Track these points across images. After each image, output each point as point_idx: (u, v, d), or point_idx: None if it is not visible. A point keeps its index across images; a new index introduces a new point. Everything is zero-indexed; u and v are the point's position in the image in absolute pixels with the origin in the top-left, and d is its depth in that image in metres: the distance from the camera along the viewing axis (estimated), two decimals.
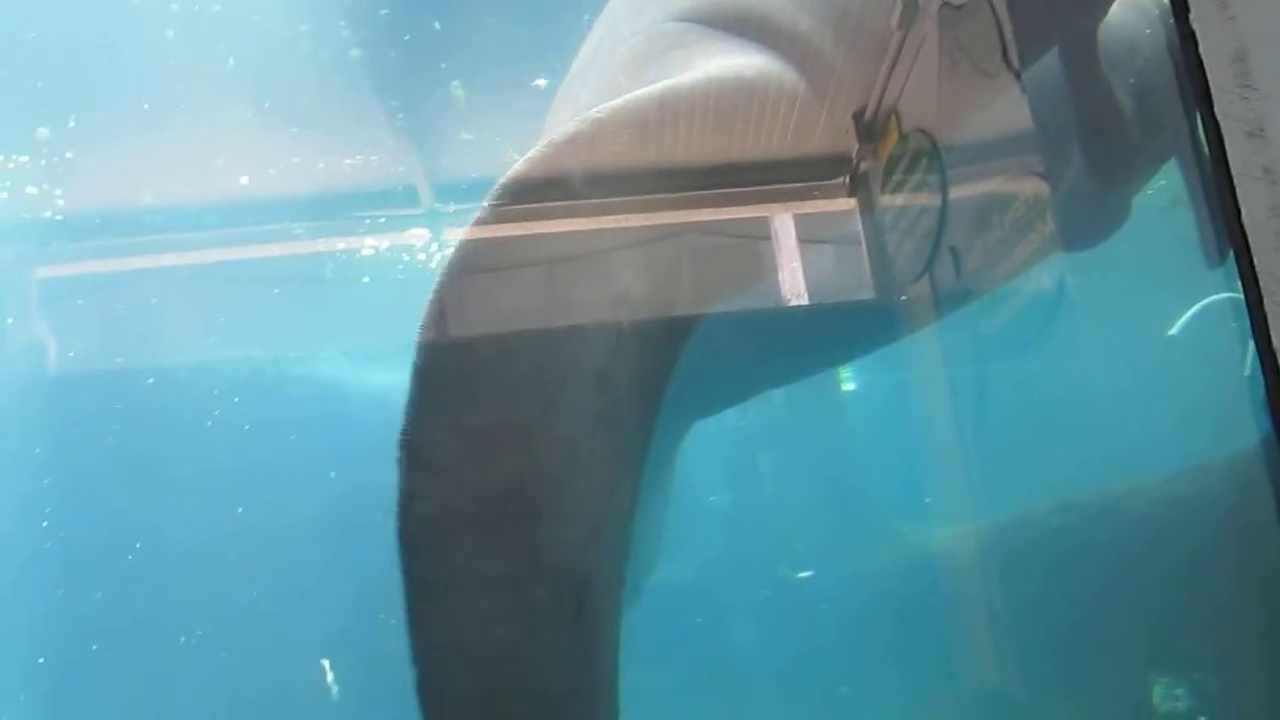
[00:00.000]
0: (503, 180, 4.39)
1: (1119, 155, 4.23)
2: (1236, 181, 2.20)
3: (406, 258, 7.73)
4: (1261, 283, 2.08)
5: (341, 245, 6.66)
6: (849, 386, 10.32)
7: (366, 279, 7.83)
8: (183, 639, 7.70)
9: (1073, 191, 4.76)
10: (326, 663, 7.76)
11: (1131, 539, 5.51)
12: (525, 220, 4.26)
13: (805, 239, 4.84)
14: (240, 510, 7.96)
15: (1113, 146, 4.30)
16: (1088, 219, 4.99)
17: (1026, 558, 6.11)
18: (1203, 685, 4.86)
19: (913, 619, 6.78)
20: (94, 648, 7.59)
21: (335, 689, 7.67)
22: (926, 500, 7.34)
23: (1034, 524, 6.22)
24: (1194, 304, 5.51)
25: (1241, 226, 2.16)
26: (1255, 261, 2.10)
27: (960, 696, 6.26)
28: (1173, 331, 5.76)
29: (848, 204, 5.05)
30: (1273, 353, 2.01)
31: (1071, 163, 4.51)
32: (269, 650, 7.61)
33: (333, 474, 8.30)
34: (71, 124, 5.29)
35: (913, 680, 6.94)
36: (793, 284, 4.84)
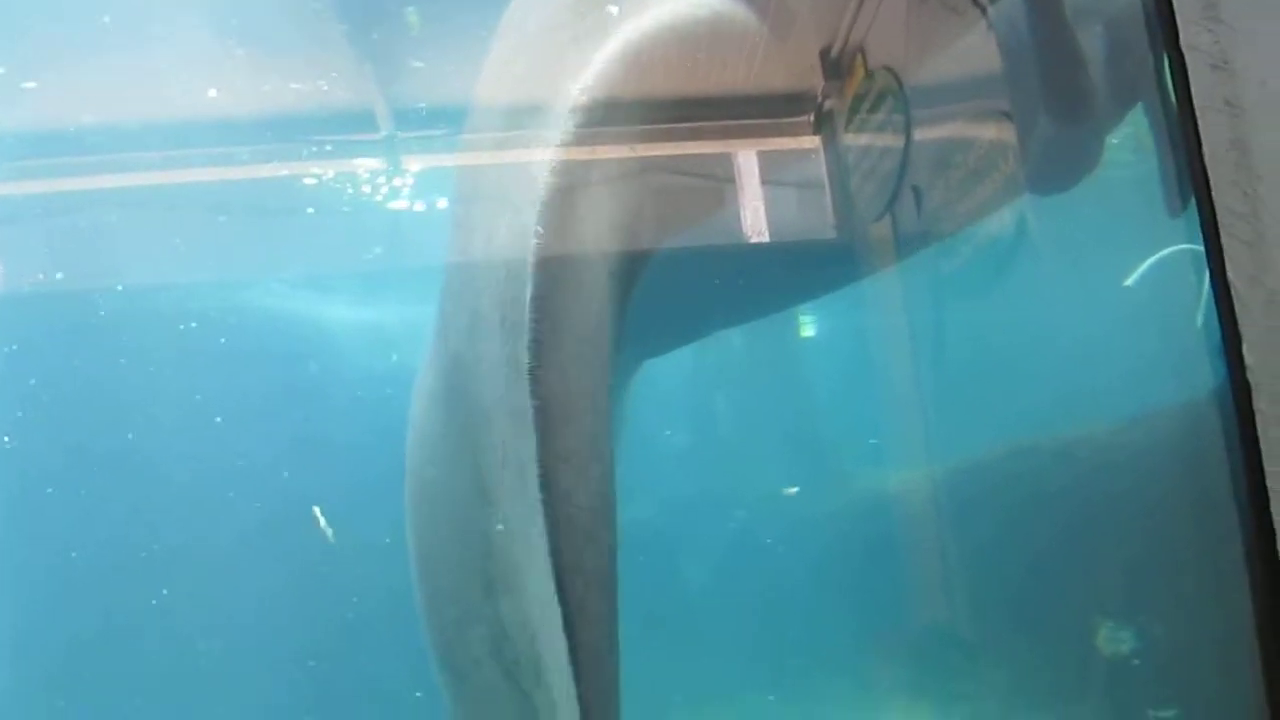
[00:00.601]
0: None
1: (1087, 96, 4.18)
2: (1199, 114, 2.15)
3: (359, 187, 7.59)
4: (1219, 216, 2.05)
5: (294, 171, 6.50)
6: (809, 332, 10.33)
7: (311, 210, 7.69)
8: (141, 554, 7.66)
9: (1042, 134, 4.71)
10: (317, 509, 7.80)
11: (1084, 484, 5.55)
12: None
13: (768, 176, 4.79)
14: (190, 438, 7.86)
15: (1081, 86, 4.25)
16: (1057, 162, 4.95)
17: (979, 502, 6.15)
18: (1147, 629, 4.92)
19: (865, 561, 6.84)
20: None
21: (330, 533, 7.69)
22: (880, 445, 7.37)
23: (988, 469, 6.25)
24: (1152, 255, 5.49)
25: (1201, 159, 2.11)
26: (1213, 194, 2.06)
27: (909, 634, 6.32)
28: (1129, 282, 5.75)
29: (812, 142, 4.99)
30: (1227, 285, 1.97)
31: (1040, 104, 4.47)
32: (218, 578, 7.57)
33: (283, 404, 8.22)
34: (9, 42, 5.09)
35: (863, 620, 7.02)
36: (753, 221, 4.78)
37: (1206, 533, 4.01)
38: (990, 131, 4.58)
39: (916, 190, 4.58)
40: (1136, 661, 4.91)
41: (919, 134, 4.52)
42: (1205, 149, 2.09)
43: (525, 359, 2.71)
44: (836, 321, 9.90)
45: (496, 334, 3.14)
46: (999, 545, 5.84)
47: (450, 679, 3.99)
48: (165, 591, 7.68)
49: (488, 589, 3.61)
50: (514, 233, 3.18)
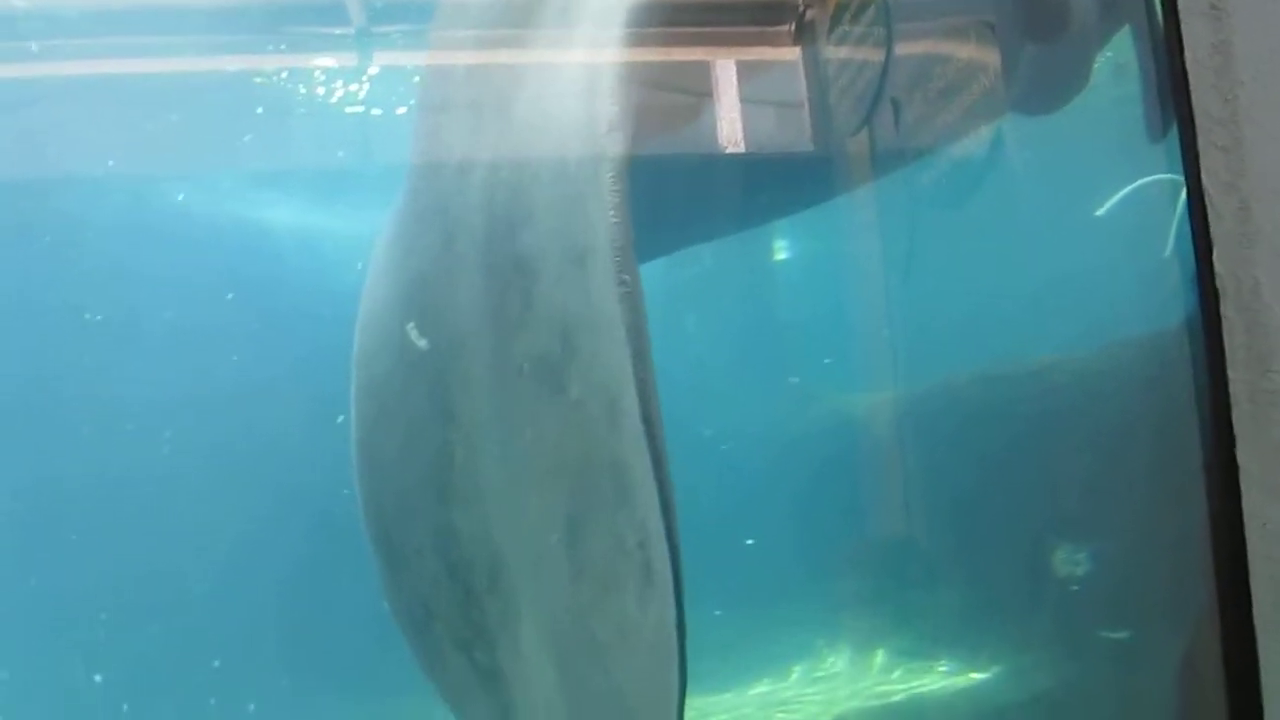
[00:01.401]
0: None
1: (1073, 9, 4.11)
2: (1182, 17, 2.09)
3: (331, 82, 7.41)
4: (1197, 121, 2.00)
5: (258, 63, 6.31)
6: (782, 255, 10.29)
7: (271, 105, 7.50)
8: (86, 480, 7.54)
9: (1029, 51, 4.64)
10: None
11: (1049, 411, 5.58)
12: (465, 50, 4.04)
13: (745, 86, 4.69)
14: (136, 353, 7.70)
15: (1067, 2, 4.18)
16: (1045, 82, 4.88)
17: (943, 425, 6.18)
18: (1103, 551, 4.98)
19: (828, 480, 6.87)
20: None
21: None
22: (849, 367, 7.38)
23: (953, 393, 6.28)
24: (1129, 184, 5.46)
25: (1183, 63, 2.06)
26: (1193, 99, 2.01)
27: (870, 550, 6.40)
28: (1100, 212, 5.72)
29: (791, 52, 4.89)
30: (1202, 191, 1.94)
31: (1026, 19, 4.39)
32: (171, 508, 7.47)
33: (230, 296, 8.04)
34: None
35: (824, 536, 7.08)
36: (729, 132, 4.70)
37: (1169, 457, 4.04)
38: (973, 47, 4.50)
39: (895, 104, 4.51)
40: (1090, 583, 4.98)
41: (900, 48, 4.44)
42: (1187, 53, 2.04)
43: (601, 269, 2.60)
44: (810, 244, 9.86)
45: (507, 246, 3.01)
46: (963, 467, 5.89)
47: (387, 560, 4.00)
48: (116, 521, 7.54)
49: (440, 496, 3.60)
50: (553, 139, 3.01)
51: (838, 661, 7.57)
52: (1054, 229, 6.32)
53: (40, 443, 7.52)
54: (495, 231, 3.15)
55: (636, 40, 3.75)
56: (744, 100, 4.74)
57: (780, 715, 6.66)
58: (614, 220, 2.55)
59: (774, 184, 4.98)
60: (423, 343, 3.05)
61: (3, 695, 6.94)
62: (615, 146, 2.63)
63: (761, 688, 7.31)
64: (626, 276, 2.52)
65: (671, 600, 2.46)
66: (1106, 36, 4.45)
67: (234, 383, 7.81)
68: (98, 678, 7.19)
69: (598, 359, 2.69)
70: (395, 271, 3.94)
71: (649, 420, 2.45)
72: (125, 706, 7.24)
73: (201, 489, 7.52)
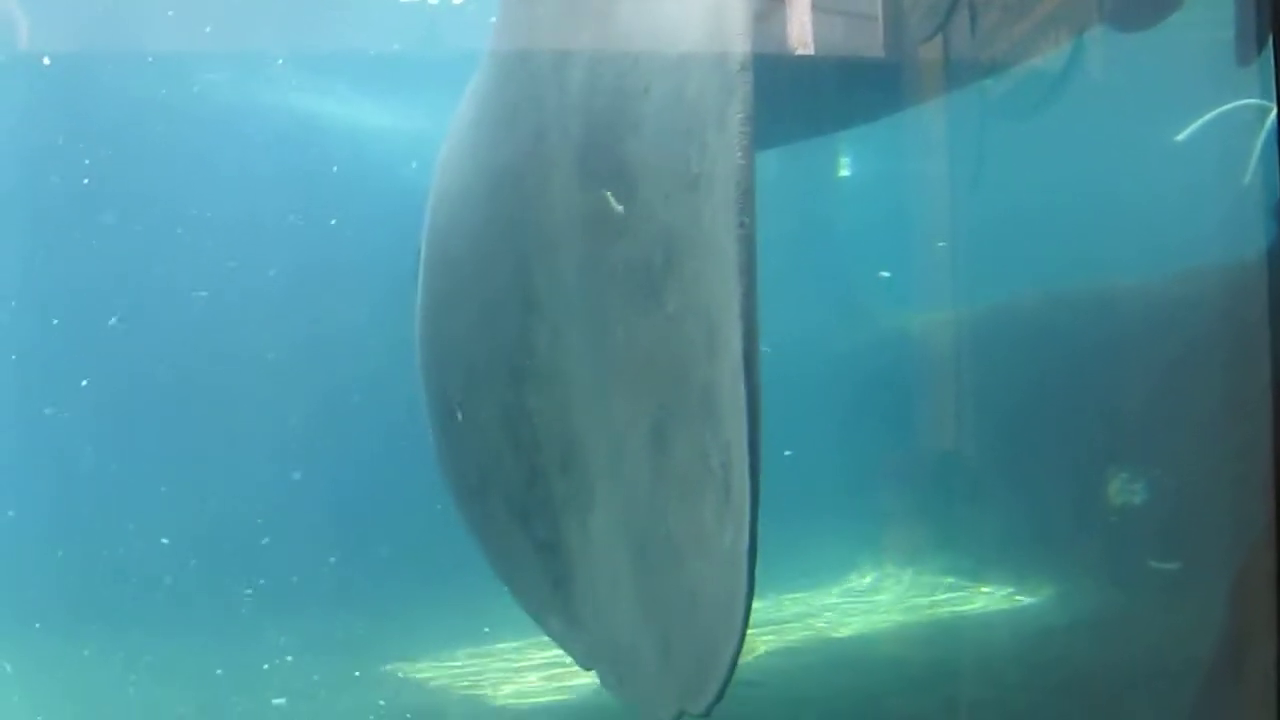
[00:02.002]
0: None
1: None
2: None
3: None
4: None
5: None
6: (844, 173, 10.10)
7: None
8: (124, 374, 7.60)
9: None
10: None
11: (1116, 335, 5.47)
12: None
13: None
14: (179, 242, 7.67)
15: None
16: None
17: (1003, 345, 6.09)
18: (1160, 481, 4.91)
19: (876, 396, 6.81)
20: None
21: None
22: (911, 285, 7.27)
23: (1016, 313, 6.17)
24: (1211, 110, 5.27)
25: None
26: None
27: (913, 468, 6.37)
28: (1181, 137, 5.52)
29: None
30: None
31: None
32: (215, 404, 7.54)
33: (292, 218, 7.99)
34: None
35: (869, 453, 7.03)
36: (799, 34, 4.56)
37: (1233, 388, 3.95)
38: None
39: (973, 9, 4.34)
40: (1145, 512, 4.93)
41: None
42: None
43: (719, 203, 2.56)
44: (875, 161, 9.66)
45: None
46: (1021, 389, 5.81)
47: (445, 428, 4.08)
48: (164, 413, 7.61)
49: (514, 380, 3.67)
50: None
51: (879, 577, 7.60)
52: (1132, 151, 6.13)
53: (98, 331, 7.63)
54: (595, 137, 3.09)
55: None
56: (815, 7, 4.59)
57: (819, 624, 6.71)
58: (740, 160, 2.45)
59: (844, 91, 4.85)
60: (619, 208, 3.00)
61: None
62: (745, 82, 2.46)
63: (800, 599, 7.37)
64: (746, 219, 2.42)
65: (746, 526, 2.45)
66: None
67: (284, 272, 7.82)
68: (165, 540, 7.35)
69: (701, 283, 2.65)
70: (476, 157, 3.95)
71: (749, 358, 2.40)
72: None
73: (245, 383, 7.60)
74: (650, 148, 2.85)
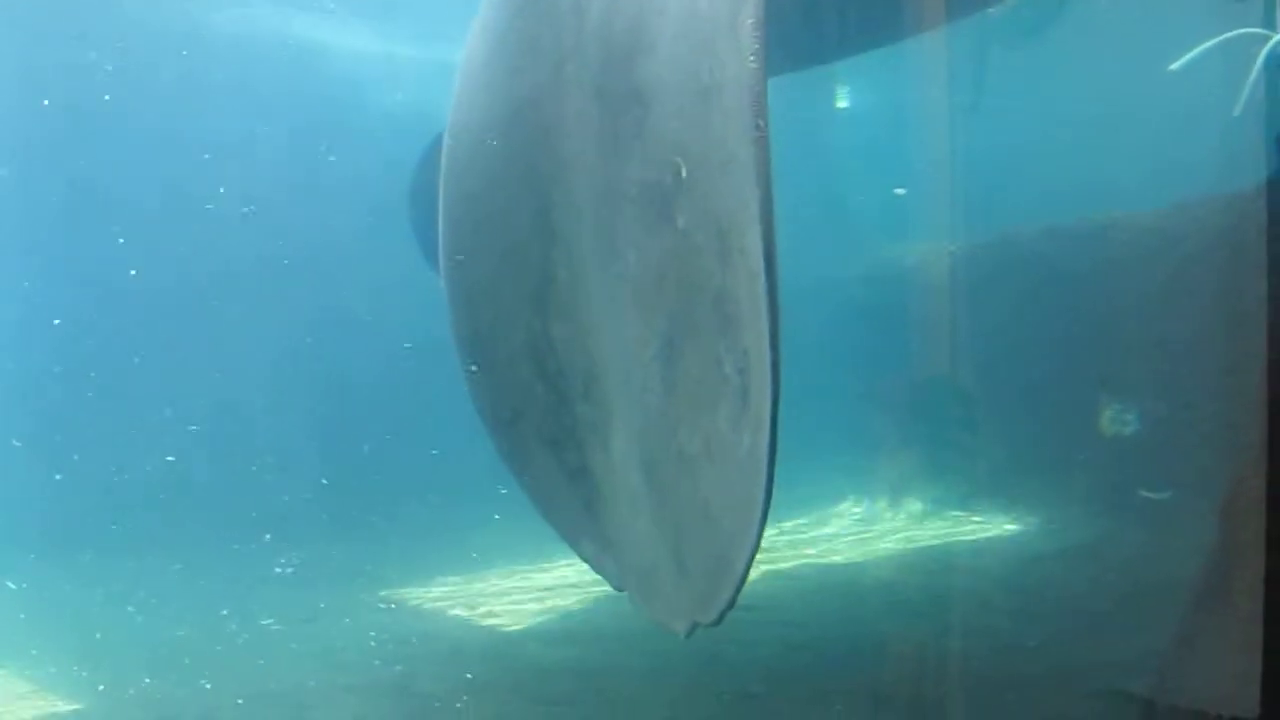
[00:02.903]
0: None
1: None
2: None
3: None
4: None
5: None
6: (843, 104, 10.01)
7: None
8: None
9: None
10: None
11: (1112, 267, 5.48)
12: None
13: None
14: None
15: None
16: None
17: (1002, 276, 6.09)
18: (1153, 410, 4.95)
19: (871, 325, 6.81)
20: None
21: None
22: (909, 216, 7.24)
23: (1015, 245, 6.16)
24: (1204, 41, 5.22)
25: None
26: None
27: (903, 391, 6.41)
28: (1175, 67, 5.47)
29: None
30: None
31: None
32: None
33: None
34: None
35: (868, 371, 7.04)
36: None
37: (1229, 319, 3.97)
38: None
39: None
40: (1136, 442, 4.97)
41: None
42: None
43: (731, 109, 2.58)
44: (874, 95, 9.57)
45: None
46: (1015, 320, 5.82)
47: (476, 364, 4.14)
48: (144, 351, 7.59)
49: (538, 310, 3.73)
50: None
51: (872, 506, 7.67)
52: (1129, 80, 6.08)
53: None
54: (612, 60, 3.13)
55: None
56: None
57: (810, 552, 6.78)
58: (752, 64, 2.48)
59: (847, 16, 4.82)
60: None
61: None
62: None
63: (792, 527, 7.44)
64: (761, 121, 2.47)
65: (766, 427, 2.51)
66: None
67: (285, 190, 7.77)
68: (170, 458, 7.38)
69: (713, 196, 2.70)
70: (493, 90, 3.96)
71: (769, 257, 2.46)
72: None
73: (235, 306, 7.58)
74: (664, 65, 2.90)
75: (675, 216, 2.85)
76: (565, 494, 3.90)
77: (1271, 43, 3.58)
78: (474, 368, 4.11)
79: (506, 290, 3.94)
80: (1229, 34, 4.86)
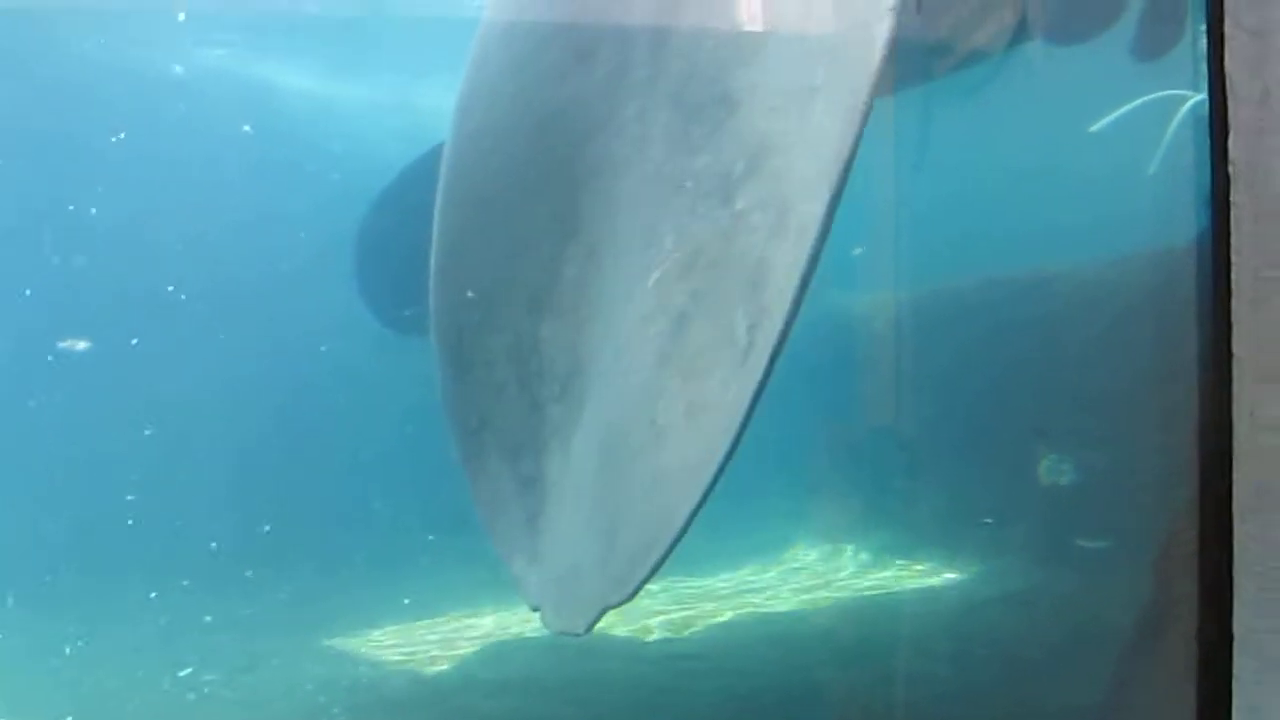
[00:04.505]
0: None
1: None
2: None
3: None
4: (1225, 2, 1.95)
5: None
6: None
7: None
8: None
9: None
10: None
11: (1050, 318, 5.58)
12: None
13: None
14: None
15: None
16: (1077, 11, 4.80)
17: (943, 326, 6.17)
18: (1089, 461, 5.02)
19: (818, 373, 6.86)
20: None
21: None
22: (852, 266, 7.32)
23: (955, 296, 6.25)
24: (1133, 101, 5.42)
25: None
26: None
27: (848, 439, 6.45)
28: (1094, 129, 5.67)
29: None
30: (1224, 76, 1.90)
31: None
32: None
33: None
34: None
35: (807, 432, 7.10)
36: (750, 12, 4.59)
37: (1161, 367, 4.05)
38: None
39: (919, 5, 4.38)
40: (1074, 491, 5.04)
41: None
42: None
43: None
44: None
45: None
46: (956, 369, 5.90)
47: (453, 367, 4.15)
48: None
49: (533, 310, 3.79)
50: None
51: (817, 555, 7.69)
52: (1065, 138, 6.24)
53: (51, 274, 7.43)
54: (697, 72, 3.42)
55: None
56: None
57: (755, 601, 6.79)
58: (872, 68, 2.82)
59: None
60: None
61: None
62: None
63: (737, 577, 7.45)
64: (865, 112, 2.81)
65: (761, 371, 2.75)
66: None
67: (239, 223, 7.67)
68: (130, 496, 7.20)
69: (782, 178, 3.00)
70: (518, 95, 4.09)
71: (829, 218, 2.78)
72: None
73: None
74: (764, 73, 3.22)
75: (735, 200, 3.09)
76: (512, 507, 3.90)
77: (1189, 104, 3.71)
78: (451, 371, 4.14)
79: (501, 291, 4.01)
80: (1149, 96, 5.04)
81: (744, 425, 2.79)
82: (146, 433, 7.28)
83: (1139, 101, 5.25)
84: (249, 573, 6.74)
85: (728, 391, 2.84)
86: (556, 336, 3.74)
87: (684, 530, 2.85)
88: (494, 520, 4.01)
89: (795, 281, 2.76)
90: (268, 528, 7.22)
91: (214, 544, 6.89)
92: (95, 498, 6.99)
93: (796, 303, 2.77)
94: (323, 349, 7.77)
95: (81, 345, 7.30)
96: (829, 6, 3.27)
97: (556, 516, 3.65)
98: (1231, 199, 1.93)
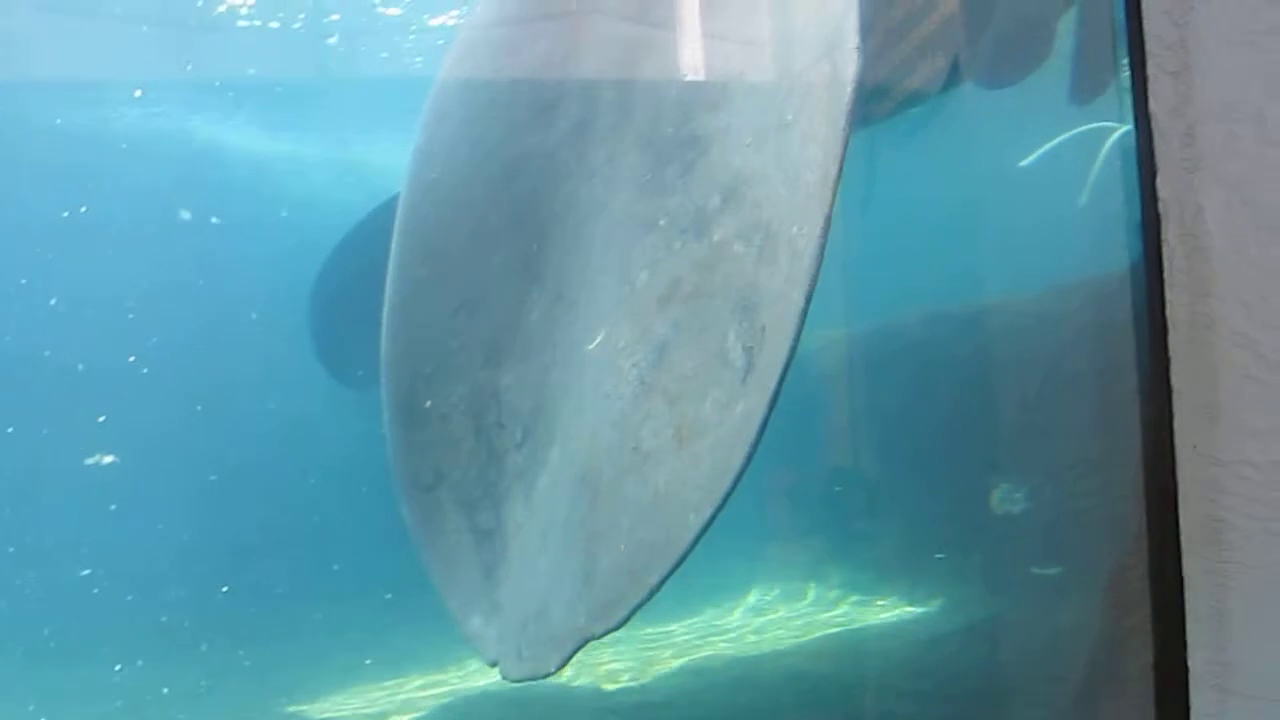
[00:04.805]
0: None
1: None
2: None
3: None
4: (1148, 46, 2.01)
5: None
6: None
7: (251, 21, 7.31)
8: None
9: (995, 28, 4.70)
10: None
11: (994, 351, 5.65)
12: None
13: (709, 18, 4.67)
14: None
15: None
16: (1007, 56, 4.91)
17: (891, 363, 6.23)
18: (1040, 490, 5.07)
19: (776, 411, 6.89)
20: None
21: None
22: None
23: (900, 332, 6.32)
24: (1057, 136, 5.56)
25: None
26: (1144, 23, 2.02)
27: (805, 478, 6.47)
28: (1024, 163, 5.81)
29: None
30: (1149, 115, 1.95)
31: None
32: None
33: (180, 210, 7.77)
34: None
35: (759, 466, 7.10)
36: (692, 61, 4.66)
37: (1105, 397, 4.12)
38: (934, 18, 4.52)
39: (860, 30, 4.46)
40: (1025, 519, 5.08)
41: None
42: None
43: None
44: None
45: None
46: (907, 403, 5.96)
47: (405, 423, 4.09)
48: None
49: (490, 359, 3.77)
50: None
51: (780, 594, 7.69)
52: (1001, 173, 6.37)
53: None
54: (665, 117, 3.49)
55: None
56: (706, 33, 4.70)
57: (721, 644, 6.76)
58: (848, 90, 2.83)
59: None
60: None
61: None
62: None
63: (700, 621, 7.42)
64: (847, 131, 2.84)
65: (771, 388, 2.81)
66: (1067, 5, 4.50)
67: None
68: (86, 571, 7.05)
69: (764, 205, 3.04)
70: (476, 145, 4.11)
71: (825, 235, 2.83)
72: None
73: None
74: (734, 115, 3.30)
75: (713, 233, 3.16)
76: (468, 562, 3.87)
77: (1117, 134, 3.81)
78: (393, 437, 4.10)
79: (456, 342, 4.00)
80: (1079, 129, 5.16)
81: (757, 441, 2.86)
82: (97, 500, 7.16)
83: (1068, 135, 5.38)
84: (204, 646, 6.63)
85: (730, 412, 2.89)
86: (518, 382, 3.75)
87: (688, 552, 2.88)
88: (449, 578, 3.97)
89: (798, 300, 2.80)
90: (225, 588, 7.11)
91: (164, 617, 6.76)
92: (45, 572, 6.85)
93: (800, 320, 2.81)
94: (273, 408, 7.69)
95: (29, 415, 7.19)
96: (788, 50, 3.36)
97: (518, 563, 3.62)
98: (1163, 236, 1.98)
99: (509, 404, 3.79)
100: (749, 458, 2.86)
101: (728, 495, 2.87)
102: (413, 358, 4.16)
